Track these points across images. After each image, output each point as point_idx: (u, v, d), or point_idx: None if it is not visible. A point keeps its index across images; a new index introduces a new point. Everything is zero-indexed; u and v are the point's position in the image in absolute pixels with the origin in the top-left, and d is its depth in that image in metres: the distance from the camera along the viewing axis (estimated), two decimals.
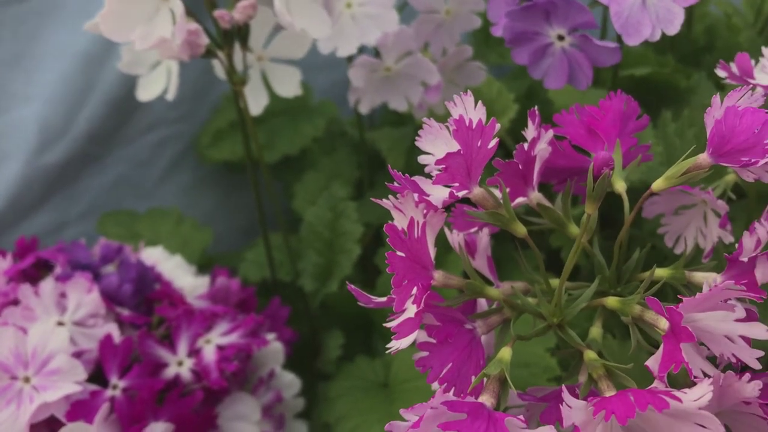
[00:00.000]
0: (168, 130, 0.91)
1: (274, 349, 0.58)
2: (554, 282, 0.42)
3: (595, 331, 0.41)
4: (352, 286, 0.39)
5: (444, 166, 0.35)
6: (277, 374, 0.58)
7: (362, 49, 0.66)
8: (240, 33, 0.54)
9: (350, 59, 0.65)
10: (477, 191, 0.38)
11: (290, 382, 0.59)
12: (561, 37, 0.52)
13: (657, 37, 0.49)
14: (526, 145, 0.42)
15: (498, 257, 0.47)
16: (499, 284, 0.44)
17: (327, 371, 0.66)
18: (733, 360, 0.34)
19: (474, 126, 0.35)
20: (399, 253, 0.35)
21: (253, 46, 0.63)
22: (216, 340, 0.54)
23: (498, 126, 0.36)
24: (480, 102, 0.37)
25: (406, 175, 0.36)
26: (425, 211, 0.37)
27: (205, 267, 0.75)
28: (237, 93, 0.58)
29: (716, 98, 0.35)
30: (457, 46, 0.66)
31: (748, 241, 0.38)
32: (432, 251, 0.37)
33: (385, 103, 0.66)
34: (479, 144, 0.36)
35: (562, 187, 0.48)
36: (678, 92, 0.80)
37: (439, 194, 0.36)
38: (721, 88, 0.77)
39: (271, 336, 0.58)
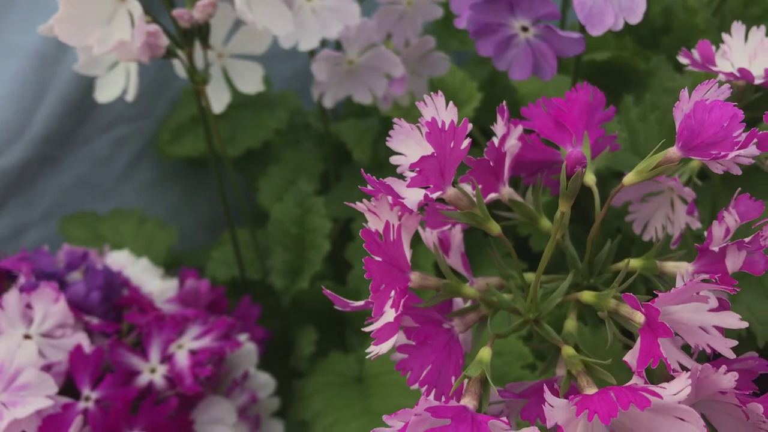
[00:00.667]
0: (127, 127, 0.89)
1: (247, 350, 0.58)
2: (528, 276, 0.42)
3: (570, 323, 0.41)
4: (328, 291, 0.38)
5: (418, 169, 0.35)
6: (251, 375, 0.58)
7: (324, 43, 0.66)
8: (200, 32, 0.53)
9: (312, 52, 0.65)
10: (451, 192, 0.38)
11: (265, 383, 0.59)
12: (525, 29, 0.52)
13: (620, 26, 0.50)
14: (496, 141, 0.42)
15: (468, 246, 0.47)
16: (473, 281, 0.44)
17: (301, 368, 0.65)
18: (708, 350, 0.34)
19: (446, 128, 0.35)
20: (375, 258, 0.35)
21: (214, 43, 0.62)
22: (188, 344, 0.53)
23: (470, 126, 0.36)
24: (451, 103, 0.36)
25: (380, 179, 0.36)
26: (400, 213, 0.36)
27: (171, 267, 0.74)
28: (199, 92, 0.57)
29: (684, 92, 0.35)
30: (419, 37, 0.66)
31: (717, 230, 0.39)
32: (408, 253, 0.37)
33: (350, 95, 0.66)
34: (452, 145, 0.36)
35: (532, 180, 0.48)
36: (638, 75, 0.80)
37: (413, 197, 0.36)
38: (680, 70, 0.78)
39: (243, 337, 0.58)
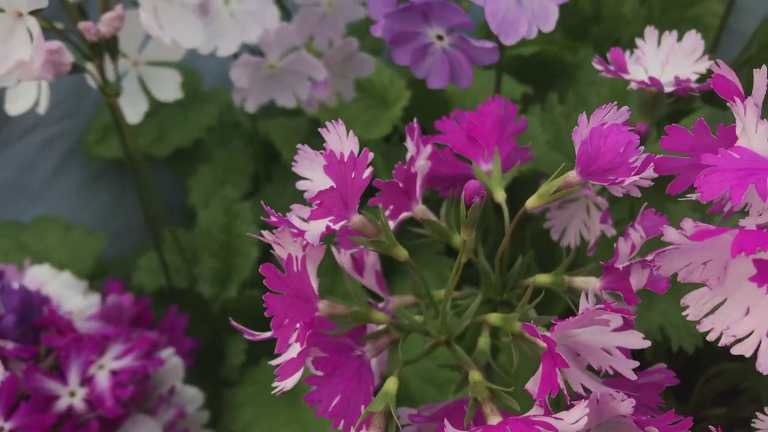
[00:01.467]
0: (52, 128, 0.87)
1: (172, 365, 0.57)
2: (439, 295, 0.42)
3: (483, 341, 0.41)
4: (235, 323, 0.38)
5: (318, 202, 0.35)
6: (178, 390, 0.57)
7: (244, 47, 0.64)
8: (108, 45, 0.51)
9: (236, 56, 0.63)
10: (356, 219, 0.37)
11: (192, 397, 0.58)
12: (440, 37, 0.51)
13: (533, 34, 0.50)
14: (405, 163, 0.42)
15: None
16: (389, 299, 0.44)
17: (232, 378, 0.65)
18: (611, 372, 0.35)
19: (346, 159, 0.35)
20: (278, 293, 0.34)
21: (128, 51, 0.60)
22: (109, 365, 0.52)
23: (371, 156, 0.35)
24: (351, 132, 0.36)
25: (282, 215, 0.36)
26: (304, 243, 0.36)
27: (99, 277, 0.72)
28: (111, 105, 0.55)
29: (583, 117, 0.35)
30: (343, 38, 0.65)
31: (623, 247, 0.40)
32: (315, 283, 0.37)
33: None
34: (353, 176, 0.35)
35: (449, 193, 0.48)
36: (566, 68, 0.81)
37: (315, 228, 0.35)
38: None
39: (168, 352, 0.57)
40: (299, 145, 0.38)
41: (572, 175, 0.36)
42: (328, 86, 0.64)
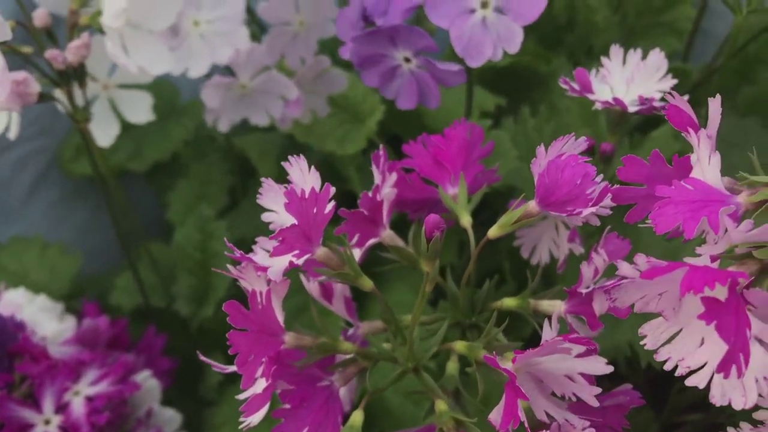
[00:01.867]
0: (29, 146, 0.86)
1: (149, 387, 0.57)
2: (407, 320, 0.43)
3: (452, 366, 0.42)
4: (204, 357, 0.38)
5: (281, 238, 0.35)
6: (156, 412, 0.57)
7: (215, 68, 0.64)
8: (76, 72, 0.51)
9: (208, 75, 0.63)
10: (320, 252, 0.38)
11: (170, 418, 0.59)
12: (408, 60, 0.52)
13: (499, 56, 0.50)
14: (372, 191, 0.42)
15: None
16: (359, 325, 0.45)
17: (210, 397, 0.65)
18: (574, 399, 0.35)
19: (308, 195, 0.35)
20: (243, 330, 0.35)
21: (99, 75, 0.60)
22: (85, 391, 0.53)
23: (333, 190, 0.36)
24: (313, 167, 0.36)
25: (244, 253, 0.36)
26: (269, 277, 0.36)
27: (76, 296, 0.72)
28: (81, 130, 0.55)
29: (540, 149, 0.36)
30: (315, 56, 0.65)
31: (586, 271, 0.40)
32: (280, 316, 0.37)
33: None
34: (315, 211, 0.35)
35: (417, 216, 0.48)
36: (540, 77, 0.81)
37: (278, 264, 0.36)
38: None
39: (145, 374, 0.57)
40: (263, 179, 0.39)
41: (532, 205, 0.37)
42: (301, 104, 0.64)
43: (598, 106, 0.49)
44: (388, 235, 0.44)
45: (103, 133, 0.59)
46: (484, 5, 0.49)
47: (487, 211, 0.66)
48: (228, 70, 0.62)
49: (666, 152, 0.63)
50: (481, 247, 0.40)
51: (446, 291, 0.44)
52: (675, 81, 0.50)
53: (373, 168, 0.43)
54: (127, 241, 0.65)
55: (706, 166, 0.33)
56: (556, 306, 0.41)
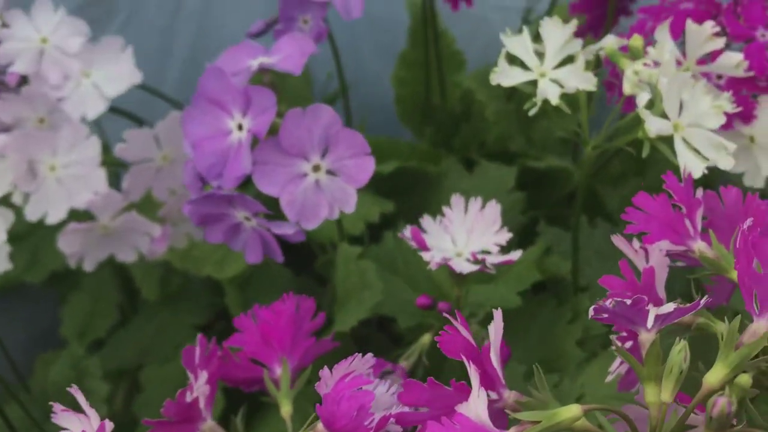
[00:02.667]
0: None
1: None
2: None
3: None
4: None
5: None
6: None
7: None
8: None
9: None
10: None
11: None
12: (248, 218, 0.51)
13: (335, 215, 0.50)
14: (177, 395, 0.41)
15: None
16: None
17: None
18: None
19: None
20: None
21: None
22: None
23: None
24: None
25: None
26: None
27: None
28: None
29: (325, 371, 0.35)
30: (182, 187, 0.65)
31: None
32: None
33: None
34: None
35: (252, 389, 0.48)
36: (429, 177, 0.81)
37: None
38: (472, 169, 0.79)
39: None
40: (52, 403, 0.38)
41: (320, 427, 0.36)
42: (167, 240, 0.64)
43: (432, 266, 0.49)
44: (208, 427, 0.43)
45: None
46: (316, 169, 0.49)
47: None
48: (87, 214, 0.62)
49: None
50: None
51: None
52: (509, 235, 0.50)
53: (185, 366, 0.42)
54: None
55: (475, 398, 0.32)
56: None
